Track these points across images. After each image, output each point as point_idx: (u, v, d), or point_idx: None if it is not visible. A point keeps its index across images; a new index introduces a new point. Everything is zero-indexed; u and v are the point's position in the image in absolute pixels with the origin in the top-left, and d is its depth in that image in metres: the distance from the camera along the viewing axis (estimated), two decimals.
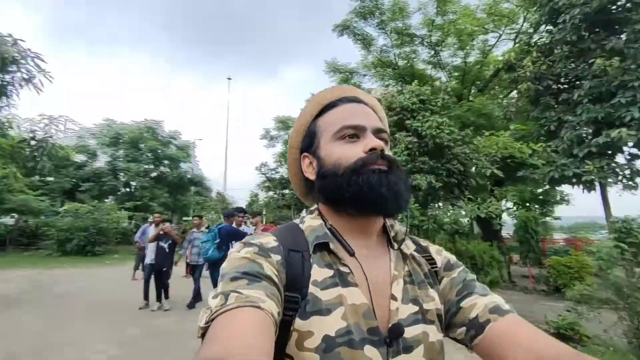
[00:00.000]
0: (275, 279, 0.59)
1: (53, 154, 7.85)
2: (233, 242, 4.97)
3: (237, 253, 0.63)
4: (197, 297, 6.49)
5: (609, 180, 7.79)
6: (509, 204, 15.53)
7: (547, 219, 16.51)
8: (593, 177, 7.61)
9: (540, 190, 14.24)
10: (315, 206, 0.77)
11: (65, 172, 18.57)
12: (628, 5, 7.95)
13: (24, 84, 6.81)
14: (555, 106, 8.57)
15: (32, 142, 7.48)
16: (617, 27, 8.10)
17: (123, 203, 19.63)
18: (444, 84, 13.11)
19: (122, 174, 20.32)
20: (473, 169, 7.82)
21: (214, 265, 5.39)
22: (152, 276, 6.33)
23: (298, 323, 0.59)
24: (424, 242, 0.81)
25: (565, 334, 4.39)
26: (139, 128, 21.40)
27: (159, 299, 6.22)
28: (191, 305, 6.32)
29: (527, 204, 15.18)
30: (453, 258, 0.79)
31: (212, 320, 0.49)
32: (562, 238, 15.42)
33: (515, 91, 9.73)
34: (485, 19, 12.92)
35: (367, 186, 0.65)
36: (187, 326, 5.24)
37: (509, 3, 12.52)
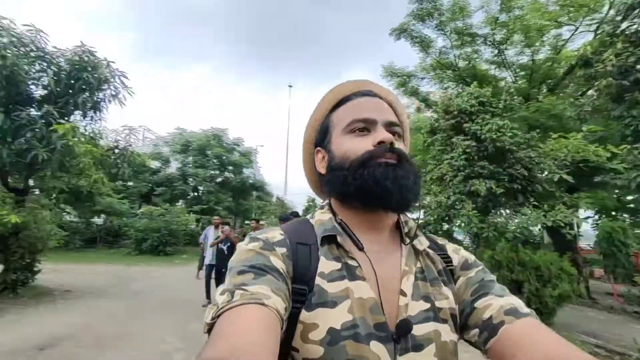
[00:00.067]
0: (282, 271, 0.59)
1: (132, 161, 8.81)
2: None
3: (245, 246, 0.64)
4: None
5: None
6: (588, 212, 13.93)
7: None
8: None
9: (630, 197, 12.55)
10: (327, 201, 0.76)
11: (143, 178, 20.29)
12: None
13: (112, 100, 7.76)
14: None
15: (116, 151, 8.45)
16: None
17: (191, 206, 20.88)
18: (508, 85, 12.28)
19: (191, 179, 21.62)
20: (540, 173, 7.21)
21: None
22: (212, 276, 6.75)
23: (304, 315, 0.58)
24: (441, 241, 0.79)
25: None
26: (206, 136, 22.68)
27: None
28: None
29: (613, 213, 13.48)
30: (472, 257, 0.75)
31: (219, 316, 0.50)
32: None
33: (591, 89, 8.79)
34: (558, 12, 11.87)
35: (372, 179, 0.64)
36: None
37: None
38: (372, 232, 0.70)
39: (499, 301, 0.63)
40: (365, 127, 0.70)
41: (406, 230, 0.73)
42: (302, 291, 0.60)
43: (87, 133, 7.83)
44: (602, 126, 8.76)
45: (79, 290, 7.66)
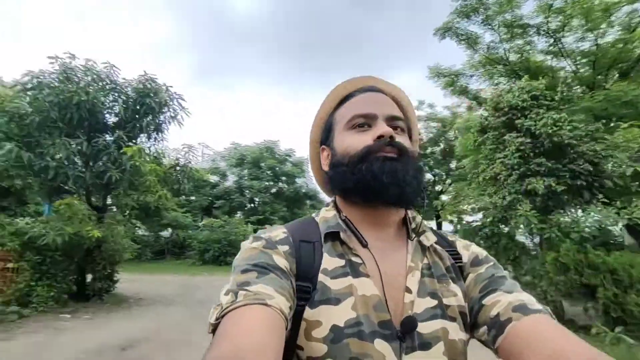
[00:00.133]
0: (285, 270, 0.59)
1: (191, 177, 9.56)
2: None
3: (248, 244, 0.65)
4: None
5: None
6: None
7: None
8: None
9: None
10: (332, 199, 0.77)
11: (203, 192, 21.48)
12: None
13: (171, 121, 8.54)
14: None
15: (177, 168, 9.22)
16: None
17: (249, 217, 21.46)
18: (567, 75, 11.36)
19: (247, 191, 22.39)
20: (611, 167, 6.60)
21: None
22: None
23: (307, 312, 0.58)
24: (451, 237, 0.76)
25: None
26: (260, 148, 23.43)
27: None
28: None
29: None
30: (483, 253, 0.72)
31: (223, 317, 0.49)
32: None
33: None
34: None
35: (370, 174, 0.64)
36: None
37: None
38: (377, 228, 0.69)
39: (507, 297, 0.59)
40: (365, 122, 0.70)
41: (413, 226, 0.71)
42: (305, 289, 0.59)
43: (151, 153, 8.69)
44: None
45: (150, 298, 8.48)
